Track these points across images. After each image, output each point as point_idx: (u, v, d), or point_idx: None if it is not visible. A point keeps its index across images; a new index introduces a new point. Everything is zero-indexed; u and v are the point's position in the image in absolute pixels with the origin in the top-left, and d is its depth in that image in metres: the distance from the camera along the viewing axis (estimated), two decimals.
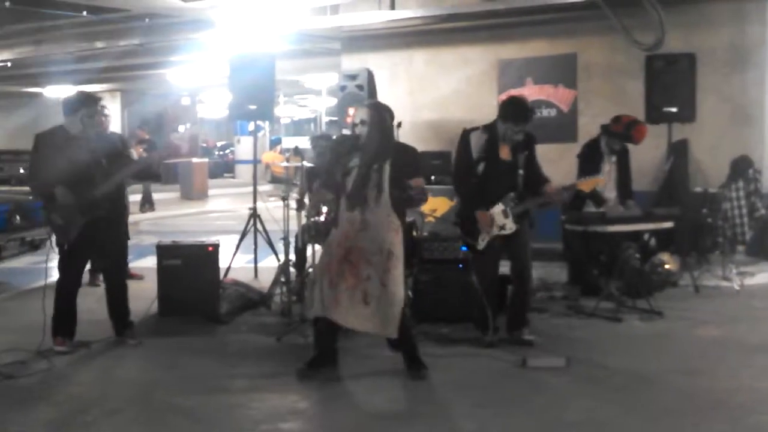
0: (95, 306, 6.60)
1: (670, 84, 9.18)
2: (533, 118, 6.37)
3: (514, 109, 6.33)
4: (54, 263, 6.38)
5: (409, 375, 5.57)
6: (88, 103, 6.40)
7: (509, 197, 6.23)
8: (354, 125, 5.56)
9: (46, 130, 6.48)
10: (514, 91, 11.75)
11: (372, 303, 5.35)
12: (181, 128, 28.40)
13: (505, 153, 6.32)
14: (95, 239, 6.34)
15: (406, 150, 5.68)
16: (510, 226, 6.23)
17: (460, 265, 7.16)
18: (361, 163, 5.46)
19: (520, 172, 6.30)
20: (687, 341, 6.63)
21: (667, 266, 8.48)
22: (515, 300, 6.48)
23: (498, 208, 6.23)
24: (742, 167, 9.69)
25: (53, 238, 6.35)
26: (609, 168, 7.81)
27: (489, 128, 6.39)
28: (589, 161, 7.80)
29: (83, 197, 6.22)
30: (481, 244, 6.29)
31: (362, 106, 5.67)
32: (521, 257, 6.37)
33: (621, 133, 7.76)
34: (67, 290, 6.39)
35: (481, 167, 6.27)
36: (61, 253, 6.33)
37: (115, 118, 8.87)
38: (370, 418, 4.88)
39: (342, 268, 5.40)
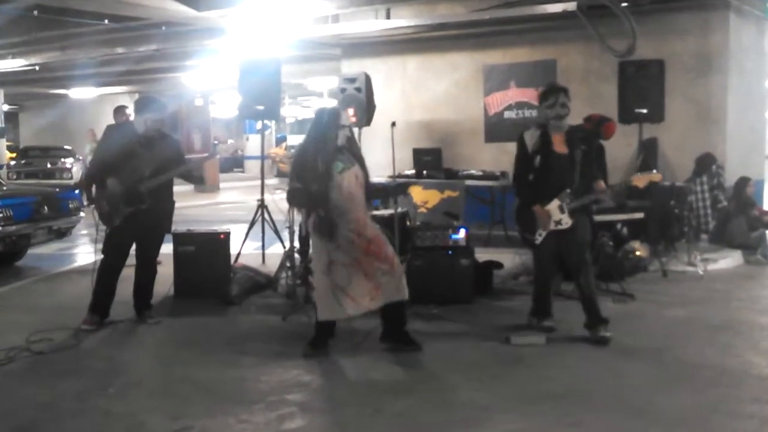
0: (118, 288, 6.58)
1: (641, 87, 9.18)
2: (569, 93, 6.00)
3: (546, 89, 6.10)
4: (78, 249, 6.36)
5: (405, 350, 5.58)
6: (153, 108, 6.43)
7: (565, 193, 5.86)
8: (342, 126, 5.43)
9: (116, 123, 6.54)
10: (499, 94, 11.78)
11: (396, 271, 5.46)
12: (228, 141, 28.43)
13: (559, 146, 5.93)
14: (137, 228, 6.34)
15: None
16: (566, 221, 5.88)
17: (449, 252, 7.16)
18: (362, 164, 5.45)
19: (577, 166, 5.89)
20: (656, 321, 6.64)
21: (637, 253, 8.48)
22: (581, 298, 6.06)
23: (554, 204, 5.87)
24: (706, 163, 9.70)
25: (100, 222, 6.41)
26: None
27: (541, 124, 6.06)
28: None
29: (131, 190, 6.24)
30: (538, 238, 5.97)
31: (343, 108, 5.58)
32: (577, 252, 5.97)
33: (592, 130, 7.72)
34: (108, 272, 6.39)
35: (537, 161, 5.89)
36: (105, 237, 6.36)
37: (132, 116, 8.87)
38: (369, 391, 4.87)
39: (369, 259, 5.39)
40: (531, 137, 6.01)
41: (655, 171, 6.43)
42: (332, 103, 9.89)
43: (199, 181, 6.70)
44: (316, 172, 5.32)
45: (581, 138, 5.99)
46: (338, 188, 5.37)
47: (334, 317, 5.48)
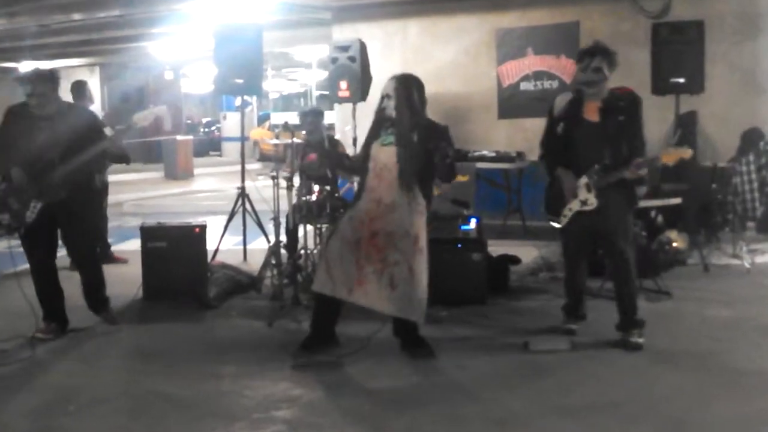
0: (76, 291, 6.60)
1: (678, 53, 9.17)
2: (611, 56, 5.93)
3: (581, 50, 6.08)
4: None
5: (415, 354, 5.65)
6: (23, 82, 6.29)
7: (593, 169, 5.81)
8: (381, 98, 5.63)
9: (17, 103, 6.43)
10: (514, 63, 11.78)
11: (399, 287, 5.39)
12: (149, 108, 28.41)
13: (591, 113, 5.91)
14: (57, 223, 6.32)
15: (436, 128, 5.63)
16: (591, 202, 5.85)
17: (458, 245, 7.18)
18: (399, 141, 5.47)
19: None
20: (697, 322, 6.66)
21: (674, 244, 8.50)
22: (616, 295, 6.11)
23: (582, 181, 5.87)
24: (753, 140, 9.69)
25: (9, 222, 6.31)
26: None
27: (577, 89, 6.07)
28: None
29: (40, 180, 6.16)
30: (562, 220, 6.03)
31: (390, 79, 5.67)
32: (612, 241, 5.94)
33: (634, 98, 7.67)
34: (37, 276, 6.39)
35: (560, 128, 5.94)
36: (20, 238, 6.32)
37: (94, 93, 8.88)
38: (369, 404, 4.90)
39: (369, 249, 5.45)
40: (561, 101, 6.08)
41: (686, 146, 6.19)
42: (323, 74, 9.90)
43: (120, 159, 6.62)
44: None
45: (621, 107, 5.91)
46: (373, 160, 5.58)
47: (323, 290, 5.54)
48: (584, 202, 5.91)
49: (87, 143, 6.27)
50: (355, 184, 6.33)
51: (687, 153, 5.97)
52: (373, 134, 5.68)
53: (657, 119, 9.39)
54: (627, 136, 5.85)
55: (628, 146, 5.83)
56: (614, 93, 6.04)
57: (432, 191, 5.73)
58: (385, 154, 5.52)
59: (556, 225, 6.10)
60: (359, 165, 5.79)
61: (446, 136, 5.61)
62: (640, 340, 5.89)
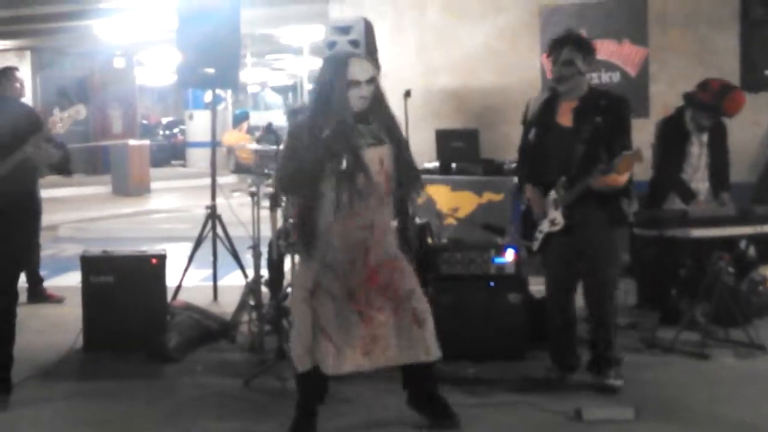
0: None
1: None
2: (585, 46, 6.27)
3: (552, 39, 6.46)
4: None
5: (436, 424, 5.59)
6: None
7: (560, 182, 6.19)
8: (354, 83, 5.30)
9: None
10: None
11: (426, 320, 5.42)
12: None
13: (565, 116, 6.29)
14: None
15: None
16: (558, 221, 6.23)
17: (491, 283, 7.16)
18: (394, 140, 5.42)
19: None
20: None
21: None
22: (590, 329, 6.57)
23: (551, 197, 6.25)
24: None
25: None
26: (699, 151, 7.83)
27: (551, 89, 6.49)
28: (671, 144, 7.77)
29: None
30: (534, 243, 6.41)
31: (361, 58, 5.58)
32: (593, 266, 6.33)
33: (709, 104, 7.73)
34: None
35: (532, 134, 6.38)
36: None
37: (24, 85, 8.86)
38: None
39: (371, 294, 5.37)
40: (534, 103, 6.50)
41: (630, 151, 6.06)
42: (318, 62, 9.91)
43: (66, 173, 6.58)
44: (313, 154, 5.23)
45: (600, 107, 6.20)
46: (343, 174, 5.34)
47: (326, 369, 5.33)
48: (552, 222, 6.27)
49: (18, 138, 6.21)
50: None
51: (639, 156, 6.01)
52: (333, 143, 5.25)
53: (749, 123, 9.39)
54: (605, 140, 6.12)
55: (607, 153, 6.10)
56: (596, 90, 6.44)
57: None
58: (368, 160, 5.32)
59: (531, 249, 6.50)
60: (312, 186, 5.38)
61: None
62: (618, 383, 6.26)
